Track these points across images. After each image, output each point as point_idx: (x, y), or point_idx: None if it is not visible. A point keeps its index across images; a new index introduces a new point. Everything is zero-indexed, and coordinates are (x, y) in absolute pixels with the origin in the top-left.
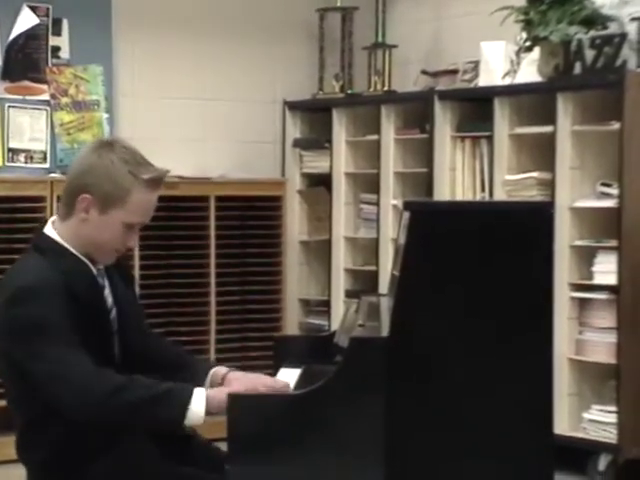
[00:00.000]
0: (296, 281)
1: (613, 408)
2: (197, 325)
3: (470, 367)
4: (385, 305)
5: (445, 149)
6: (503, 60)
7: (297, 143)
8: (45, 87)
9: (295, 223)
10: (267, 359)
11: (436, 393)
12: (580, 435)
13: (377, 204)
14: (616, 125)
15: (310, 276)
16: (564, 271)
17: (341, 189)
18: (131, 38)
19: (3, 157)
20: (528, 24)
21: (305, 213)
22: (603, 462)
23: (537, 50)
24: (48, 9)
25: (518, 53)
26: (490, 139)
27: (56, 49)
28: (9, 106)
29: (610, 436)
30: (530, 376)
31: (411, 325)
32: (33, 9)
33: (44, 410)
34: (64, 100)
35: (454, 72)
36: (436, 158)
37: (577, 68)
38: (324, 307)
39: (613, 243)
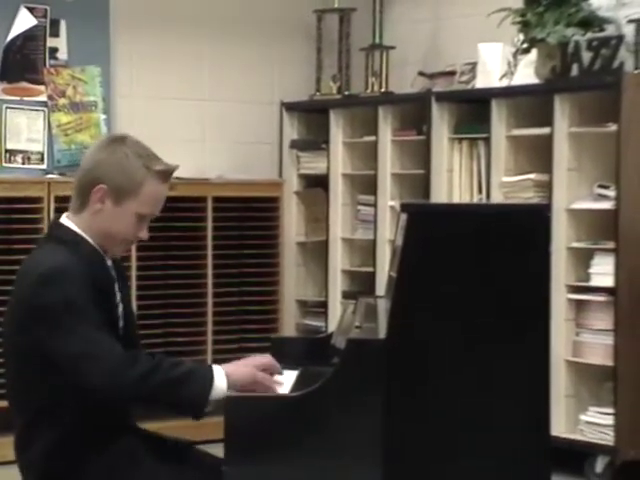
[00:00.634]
0: (293, 282)
1: (610, 410)
2: (194, 326)
3: (467, 369)
4: (382, 307)
5: (442, 151)
6: (500, 62)
7: (294, 144)
8: (43, 88)
9: (292, 224)
10: None
11: (433, 395)
12: (577, 437)
13: (374, 205)
14: (613, 127)
15: (307, 277)
16: (561, 273)
17: (338, 190)
18: (129, 39)
19: (0, 158)
20: (525, 26)
21: (302, 214)
22: (600, 464)
23: (534, 52)
24: (46, 10)
25: (515, 55)
26: (487, 141)
27: (54, 50)
28: (7, 107)
29: (607, 438)
30: (527, 378)
31: (408, 327)
32: (31, 10)
33: (50, 400)
34: (62, 101)
35: (451, 74)
36: (433, 160)
37: (574, 70)
38: (321, 308)
39: (610, 245)
